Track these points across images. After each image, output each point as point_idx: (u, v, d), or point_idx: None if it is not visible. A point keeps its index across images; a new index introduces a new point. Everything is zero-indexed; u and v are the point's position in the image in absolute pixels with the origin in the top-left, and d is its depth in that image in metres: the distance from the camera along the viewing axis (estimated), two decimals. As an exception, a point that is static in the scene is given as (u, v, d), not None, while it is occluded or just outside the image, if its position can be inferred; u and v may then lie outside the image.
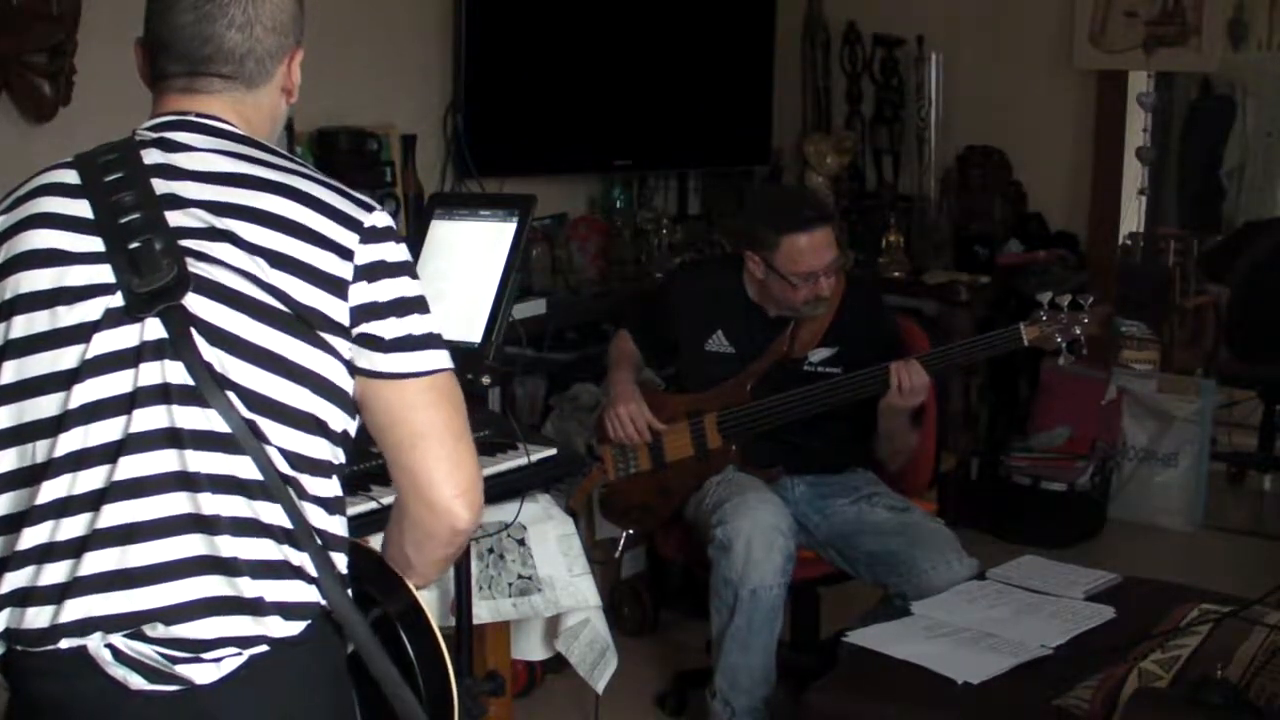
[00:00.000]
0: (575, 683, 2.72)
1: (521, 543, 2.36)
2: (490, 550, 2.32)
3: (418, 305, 1.46)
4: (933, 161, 4.82)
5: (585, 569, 2.43)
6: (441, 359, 1.47)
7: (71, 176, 1.44)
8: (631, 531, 3.15)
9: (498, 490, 2.32)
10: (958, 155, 4.83)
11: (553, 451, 2.43)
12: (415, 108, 3.93)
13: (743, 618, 2.75)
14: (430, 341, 1.46)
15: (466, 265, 2.05)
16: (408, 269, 1.47)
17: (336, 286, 1.40)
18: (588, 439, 3.20)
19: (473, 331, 1.99)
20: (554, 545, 2.39)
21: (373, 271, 1.43)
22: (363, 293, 1.42)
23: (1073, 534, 4.26)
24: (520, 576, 2.36)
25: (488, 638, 2.43)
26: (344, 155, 3.54)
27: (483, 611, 2.30)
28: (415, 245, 2.12)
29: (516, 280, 2.06)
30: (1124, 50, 4.52)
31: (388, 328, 1.43)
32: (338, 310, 1.41)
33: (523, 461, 2.32)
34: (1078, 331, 2.78)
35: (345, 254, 1.41)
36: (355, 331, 1.42)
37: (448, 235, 2.10)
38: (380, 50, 3.81)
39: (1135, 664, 2.19)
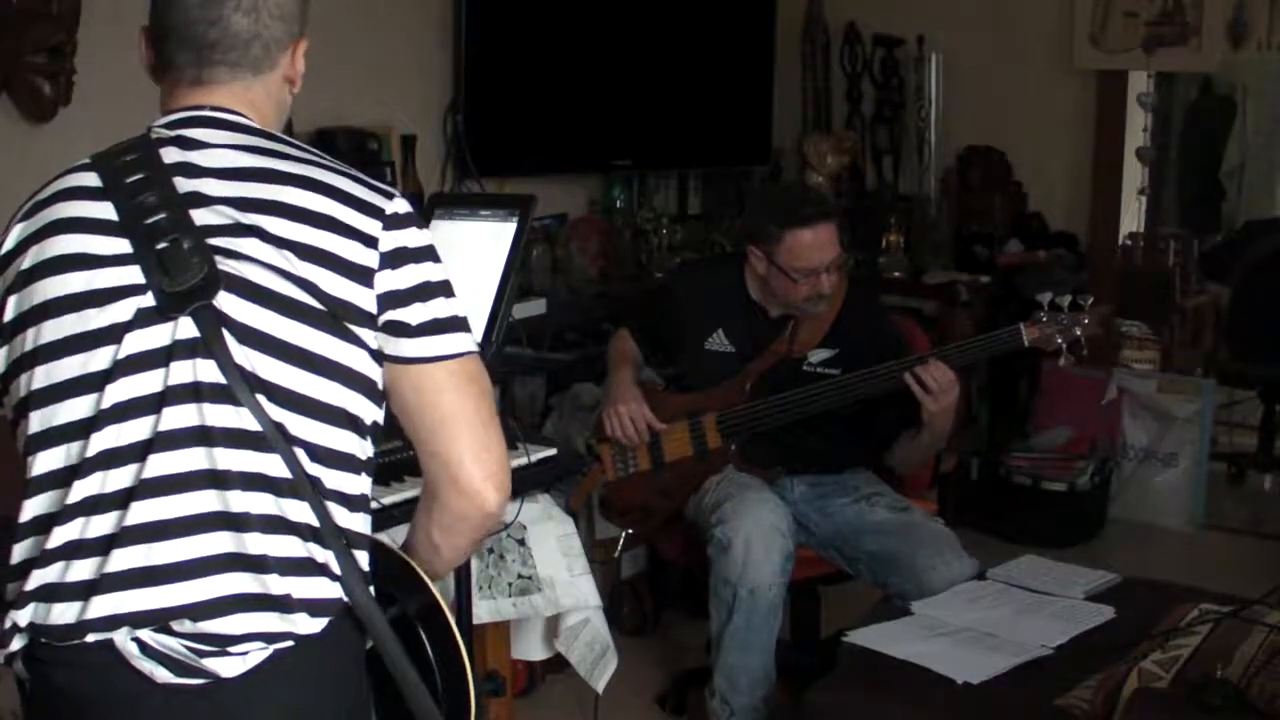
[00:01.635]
0: (575, 683, 2.72)
1: (521, 543, 2.36)
2: (490, 550, 2.32)
3: (442, 289, 1.47)
4: (933, 161, 4.82)
5: (585, 569, 2.43)
6: (467, 342, 1.48)
7: (92, 179, 1.44)
8: (631, 531, 3.15)
9: (498, 490, 2.32)
10: (958, 155, 4.84)
11: (553, 451, 2.43)
12: (415, 108, 3.93)
13: (742, 617, 2.75)
14: (455, 325, 1.47)
15: (466, 265, 2.05)
16: (431, 254, 1.47)
17: (363, 275, 1.41)
18: (587, 439, 3.20)
19: (473, 332, 1.99)
20: (554, 545, 2.39)
21: (396, 258, 1.43)
22: (388, 280, 1.42)
23: (1073, 534, 4.26)
24: (520, 576, 2.36)
25: (488, 638, 2.43)
26: (344, 155, 3.53)
27: (483, 611, 2.30)
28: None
29: (516, 280, 2.06)
30: (1124, 50, 4.52)
31: (413, 313, 1.44)
32: (365, 299, 1.41)
33: (523, 461, 2.32)
34: (1078, 332, 2.78)
35: (370, 242, 1.42)
36: (382, 320, 1.42)
37: (448, 235, 2.10)
38: (380, 50, 3.82)
39: (1135, 664, 2.19)
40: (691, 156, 4.78)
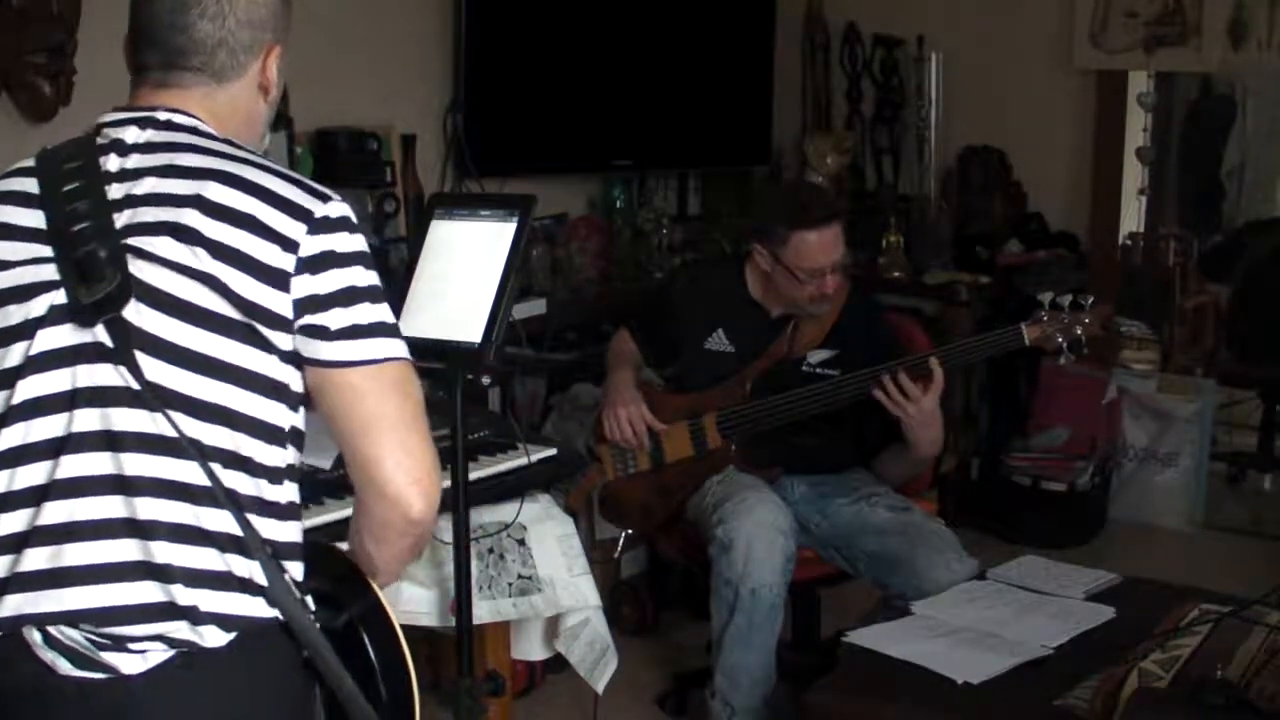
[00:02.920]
0: (575, 683, 2.72)
1: (521, 543, 2.36)
2: (490, 550, 2.32)
3: (367, 295, 1.45)
4: (933, 161, 4.82)
5: (585, 569, 2.43)
6: (392, 348, 1.46)
7: (30, 185, 1.45)
8: (630, 532, 3.15)
9: (498, 490, 2.32)
10: (958, 155, 4.83)
11: (553, 451, 2.43)
12: (415, 108, 3.92)
13: (743, 617, 2.75)
14: (379, 330, 1.45)
15: (466, 265, 2.05)
16: (360, 259, 1.45)
17: (277, 279, 1.40)
18: (587, 439, 3.20)
19: (473, 332, 1.99)
20: (554, 545, 2.39)
21: (318, 263, 1.41)
22: (305, 285, 1.41)
23: (1073, 534, 4.26)
24: (520, 576, 2.35)
25: (488, 638, 2.43)
26: (344, 155, 3.53)
27: (483, 611, 2.30)
28: (415, 245, 2.13)
29: (516, 280, 2.05)
30: (1124, 50, 4.52)
31: (333, 318, 1.42)
32: (278, 303, 1.40)
33: (523, 461, 2.32)
34: (1078, 331, 2.78)
35: (289, 245, 1.40)
36: (298, 324, 1.41)
37: (448, 235, 2.10)
38: (380, 50, 3.81)
39: (1135, 664, 2.19)
40: (691, 156, 4.78)
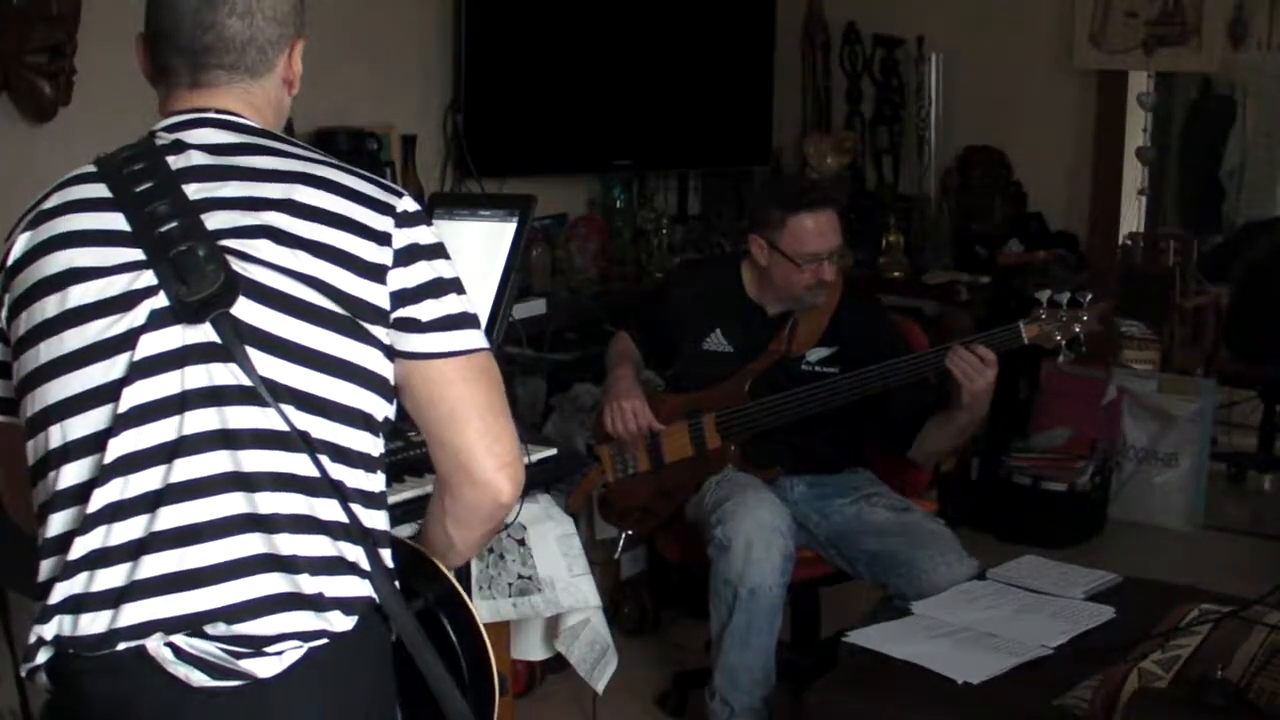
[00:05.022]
0: (575, 683, 2.72)
1: (521, 543, 2.36)
2: (490, 550, 2.32)
3: (453, 286, 1.48)
4: (933, 161, 4.83)
5: (585, 569, 2.43)
6: (478, 338, 1.49)
7: (100, 190, 1.43)
8: (630, 533, 3.15)
9: (498, 490, 2.31)
10: (958, 155, 4.84)
11: (553, 451, 2.43)
12: (415, 108, 3.93)
13: (742, 617, 2.75)
14: (466, 321, 1.48)
15: (466, 265, 2.04)
16: (441, 251, 1.49)
17: (376, 273, 1.42)
18: (587, 439, 3.20)
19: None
20: (554, 545, 2.39)
21: (408, 255, 1.44)
22: (400, 277, 1.43)
23: (1073, 534, 4.26)
24: (520, 576, 2.35)
25: (488, 638, 2.42)
26: (344, 155, 3.52)
27: (483, 611, 2.29)
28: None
29: (516, 280, 2.06)
30: (1124, 50, 4.52)
31: (425, 310, 1.45)
32: (378, 296, 1.42)
33: (523, 461, 2.31)
34: (1077, 329, 2.78)
35: (384, 239, 1.43)
36: (394, 316, 1.43)
37: (448, 235, 2.08)
38: (380, 50, 3.81)
39: (1135, 664, 2.19)
40: (691, 156, 4.78)
